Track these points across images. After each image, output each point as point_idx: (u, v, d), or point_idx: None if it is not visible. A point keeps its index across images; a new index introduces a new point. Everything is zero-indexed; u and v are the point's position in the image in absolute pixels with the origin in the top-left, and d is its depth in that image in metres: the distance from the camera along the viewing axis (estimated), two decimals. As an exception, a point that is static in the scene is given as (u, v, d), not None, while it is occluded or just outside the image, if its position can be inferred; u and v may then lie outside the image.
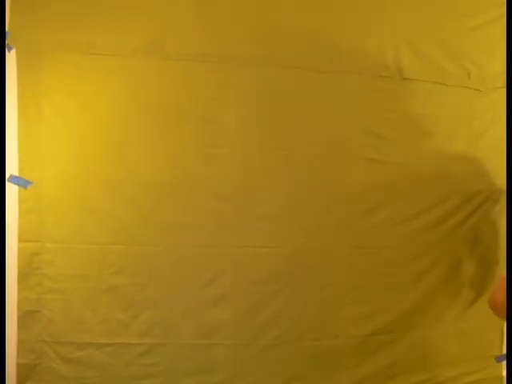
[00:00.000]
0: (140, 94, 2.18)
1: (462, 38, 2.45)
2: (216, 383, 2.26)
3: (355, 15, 2.33)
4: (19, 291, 2.14)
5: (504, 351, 2.58)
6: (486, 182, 2.49)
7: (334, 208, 2.30)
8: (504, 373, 2.59)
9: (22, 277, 2.14)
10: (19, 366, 2.16)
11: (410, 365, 2.43)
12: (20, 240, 2.13)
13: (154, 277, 2.20)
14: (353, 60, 2.31)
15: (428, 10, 2.41)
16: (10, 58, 2.09)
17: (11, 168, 2.11)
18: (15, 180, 2.11)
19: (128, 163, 2.17)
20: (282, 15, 2.26)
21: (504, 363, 2.59)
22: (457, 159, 2.45)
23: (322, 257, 2.21)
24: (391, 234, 2.37)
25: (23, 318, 2.15)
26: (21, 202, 2.13)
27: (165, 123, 2.19)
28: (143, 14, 2.17)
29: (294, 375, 2.29)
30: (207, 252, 2.20)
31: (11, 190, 2.12)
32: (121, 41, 2.15)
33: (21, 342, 2.16)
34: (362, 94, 2.32)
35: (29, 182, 2.12)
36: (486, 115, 2.48)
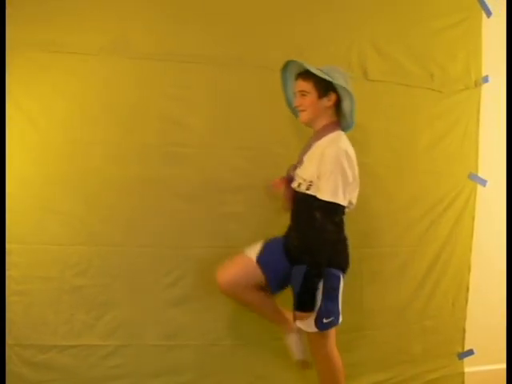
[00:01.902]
0: (103, 93, 2.17)
1: (426, 40, 2.49)
2: (182, 384, 2.26)
3: (320, 17, 2.35)
4: (-17, 294, 2.11)
5: (465, 348, 2.64)
6: (450, 187, 2.54)
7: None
8: (465, 369, 2.64)
9: (-14, 279, 2.11)
10: (-19, 370, 2.13)
11: (371, 364, 2.46)
12: (-16, 242, 2.10)
13: (117, 277, 2.19)
14: (318, 60, 2.29)
15: (393, 12, 2.45)
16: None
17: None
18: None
19: (88, 162, 2.16)
20: (250, 16, 2.28)
21: (465, 360, 2.64)
22: (421, 161, 2.50)
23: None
24: (352, 233, 2.37)
25: (-14, 321, 2.12)
26: (-16, 203, 2.10)
27: (127, 122, 2.19)
28: (107, 12, 2.16)
29: (259, 375, 2.30)
30: (170, 253, 2.20)
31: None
32: (84, 39, 2.14)
33: (-17, 345, 2.13)
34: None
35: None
36: (449, 116, 2.52)
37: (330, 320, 1.91)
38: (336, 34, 2.37)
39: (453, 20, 2.53)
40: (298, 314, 1.87)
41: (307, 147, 2.00)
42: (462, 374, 2.63)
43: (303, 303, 1.86)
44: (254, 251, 2.06)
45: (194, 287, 2.23)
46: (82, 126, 2.16)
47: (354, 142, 2.34)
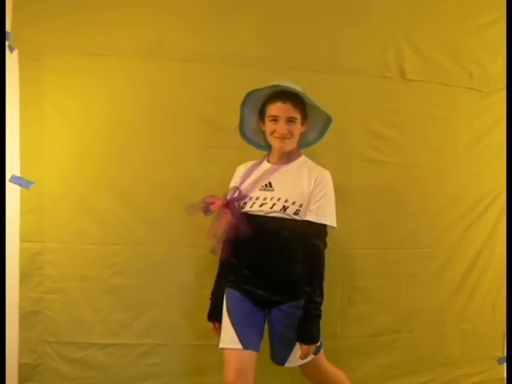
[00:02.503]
0: (140, 94, 2.19)
1: (465, 39, 2.44)
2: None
3: (356, 15, 2.33)
4: (21, 291, 2.15)
5: (506, 353, 2.57)
6: (489, 187, 2.49)
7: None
8: (505, 375, 2.57)
9: (24, 277, 2.15)
10: (21, 366, 2.17)
11: (410, 366, 2.43)
12: (22, 240, 2.14)
13: (155, 277, 2.21)
14: (353, 60, 2.32)
15: (430, 11, 2.41)
16: (13, 58, 2.11)
17: (13, 168, 2.12)
18: (17, 180, 2.12)
19: (129, 164, 2.18)
20: (282, 16, 2.27)
21: (505, 365, 2.57)
22: (459, 162, 2.45)
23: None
24: (390, 234, 2.37)
25: (25, 318, 2.16)
26: (22, 202, 2.14)
27: (165, 123, 2.20)
28: (143, 15, 2.17)
29: (294, 375, 2.28)
30: (207, 253, 2.17)
31: (13, 190, 2.13)
32: (121, 41, 2.16)
33: (22, 342, 2.17)
34: (363, 95, 2.32)
35: (30, 183, 2.13)
36: (488, 116, 2.47)
37: (320, 340, 1.82)
38: (372, 34, 2.34)
39: (491, 17, 2.47)
40: (311, 347, 1.76)
41: (270, 171, 1.90)
42: (503, 379, 2.57)
43: (311, 335, 1.75)
44: (232, 340, 1.80)
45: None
46: (120, 128, 2.18)
47: (391, 142, 2.35)
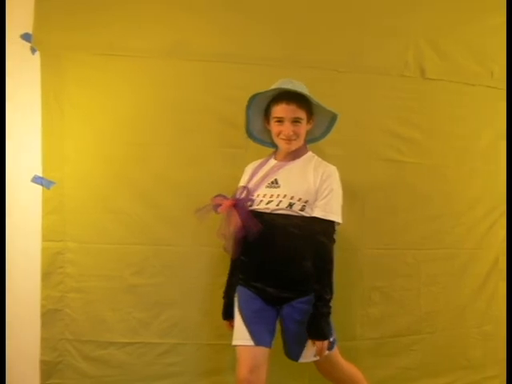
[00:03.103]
0: (161, 95, 2.20)
1: (485, 37, 2.42)
2: (234, 383, 2.25)
3: (375, 15, 2.31)
4: (42, 290, 2.18)
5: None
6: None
7: (354, 207, 2.28)
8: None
9: (45, 276, 2.18)
10: (42, 363, 2.19)
11: (430, 368, 2.40)
12: (43, 239, 2.17)
13: (174, 276, 2.22)
14: (373, 60, 2.30)
15: (450, 10, 2.38)
16: (34, 60, 2.13)
17: (35, 168, 2.16)
18: (39, 180, 2.15)
19: (150, 163, 2.20)
20: (301, 15, 2.26)
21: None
22: (480, 162, 2.43)
23: (341, 257, 2.19)
24: (411, 234, 2.35)
25: (46, 316, 2.19)
26: (44, 202, 2.17)
27: (186, 124, 2.21)
28: (163, 15, 2.19)
29: (313, 376, 2.27)
30: (225, 253, 2.19)
31: (35, 190, 2.16)
32: (141, 42, 2.18)
33: (43, 340, 2.19)
34: (383, 94, 2.31)
35: (52, 183, 2.16)
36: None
37: (334, 337, 1.84)
38: (391, 33, 2.32)
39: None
40: (324, 343, 1.77)
41: (275, 168, 1.91)
42: (525, 381, 2.54)
43: (322, 332, 1.76)
44: (244, 337, 1.81)
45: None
46: (141, 128, 2.20)
47: (411, 142, 2.33)
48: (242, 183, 1.98)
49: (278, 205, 1.82)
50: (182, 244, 2.21)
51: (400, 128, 2.32)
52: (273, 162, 1.96)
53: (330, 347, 1.83)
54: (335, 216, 1.83)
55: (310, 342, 1.80)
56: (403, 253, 2.34)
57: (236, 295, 1.92)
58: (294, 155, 1.93)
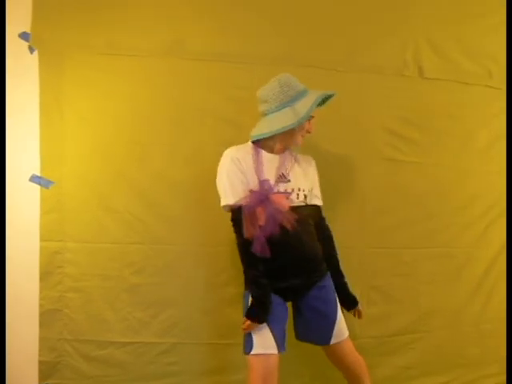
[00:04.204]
0: (160, 94, 2.20)
1: (482, 36, 2.43)
2: (234, 383, 2.25)
3: (375, 14, 2.32)
4: (41, 290, 2.17)
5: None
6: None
7: (350, 207, 2.31)
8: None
9: (44, 275, 2.17)
10: (41, 364, 2.19)
11: (429, 366, 2.41)
12: (41, 239, 2.16)
13: (174, 276, 2.21)
14: (372, 59, 2.32)
15: (449, 9, 2.40)
16: (33, 59, 2.12)
17: (33, 168, 2.15)
18: (37, 179, 2.14)
19: (149, 163, 2.19)
20: (300, 15, 2.27)
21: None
22: (478, 161, 2.44)
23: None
24: (408, 233, 2.36)
25: (45, 316, 2.18)
26: (42, 201, 2.16)
27: (185, 123, 2.21)
28: (162, 14, 2.19)
29: (314, 375, 2.28)
30: (224, 251, 2.20)
31: (33, 189, 2.15)
32: (140, 41, 2.17)
33: (42, 340, 2.18)
34: (382, 94, 2.32)
35: (50, 182, 2.15)
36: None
37: None
38: (390, 33, 2.34)
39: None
40: (361, 308, 1.95)
41: (286, 163, 1.89)
42: (522, 379, 2.55)
43: (354, 296, 1.96)
44: (270, 345, 1.78)
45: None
46: (140, 127, 2.20)
47: (410, 141, 2.33)
48: (241, 174, 1.85)
49: (297, 198, 1.87)
50: (181, 243, 2.21)
51: (398, 127, 2.34)
52: (268, 154, 1.90)
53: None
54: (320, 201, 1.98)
55: (340, 319, 1.89)
56: (401, 252, 2.36)
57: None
58: (290, 153, 1.94)
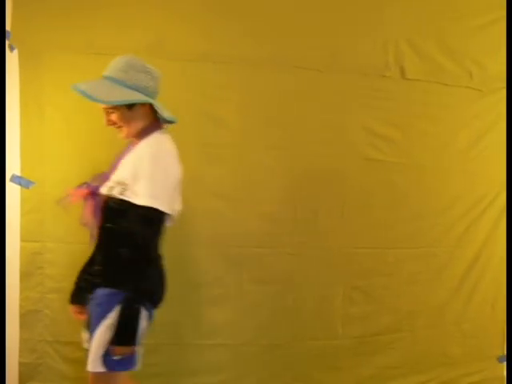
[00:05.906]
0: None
1: (464, 38, 2.45)
2: (218, 383, 2.25)
3: (356, 15, 2.33)
4: (21, 291, 2.15)
5: (505, 352, 2.58)
6: (489, 186, 2.50)
7: (332, 207, 2.31)
8: (505, 373, 2.58)
9: (24, 276, 2.15)
10: (21, 365, 2.17)
11: (410, 366, 2.44)
12: (22, 239, 2.14)
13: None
14: (354, 60, 2.32)
15: (430, 10, 2.42)
16: (13, 58, 2.10)
17: (13, 168, 2.12)
18: (17, 180, 2.12)
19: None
20: (282, 16, 2.27)
21: (505, 364, 2.58)
22: (459, 162, 2.46)
23: (321, 257, 2.21)
24: (390, 234, 2.38)
25: (25, 318, 2.16)
26: (23, 201, 2.14)
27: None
28: (142, 14, 2.17)
29: (296, 375, 2.29)
30: (207, 251, 2.20)
31: (13, 189, 2.13)
32: (121, 40, 2.15)
33: (23, 342, 2.17)
34: (363, 94, 2.33)
35: (30, 182, 2.13)
36: (488, 115, 2.48)
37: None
38: (372, 33, 2.35)
39: (491, 17, 2.48)
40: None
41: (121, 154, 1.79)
42: (502, 378, 2.57)
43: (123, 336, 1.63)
44: None
45: (232, 286, 2.23)
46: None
47: (391, 142, 2.34)
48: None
49: (107, 190, 1.72)
50: (163, 243, 2.19)
51: (380, 128, 2.35)
52: None
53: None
54: (146, 200, 1.59)
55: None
56: (384, 252, 2.37)
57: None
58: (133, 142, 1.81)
